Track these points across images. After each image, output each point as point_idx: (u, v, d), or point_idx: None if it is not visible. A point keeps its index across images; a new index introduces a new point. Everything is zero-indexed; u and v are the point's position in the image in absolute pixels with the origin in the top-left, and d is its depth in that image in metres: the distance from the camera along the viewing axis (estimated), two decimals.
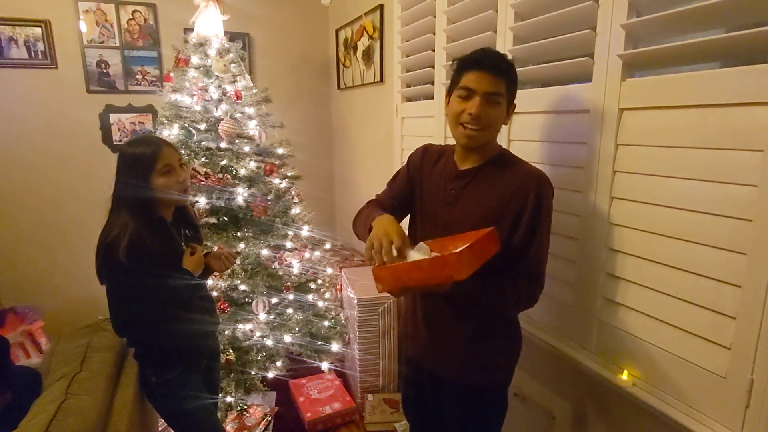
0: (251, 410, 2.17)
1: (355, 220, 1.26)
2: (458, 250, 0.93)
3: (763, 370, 0.88)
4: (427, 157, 1.27)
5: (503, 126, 1.15)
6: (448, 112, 1.14)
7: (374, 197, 1.33)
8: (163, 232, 1.33)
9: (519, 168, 1.13)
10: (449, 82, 1.16)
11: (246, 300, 2.12)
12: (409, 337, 1.33)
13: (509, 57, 1.20)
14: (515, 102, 1.15)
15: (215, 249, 1.95)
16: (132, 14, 2.76)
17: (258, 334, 2.10)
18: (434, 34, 1.91)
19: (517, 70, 1.47)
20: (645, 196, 1.10)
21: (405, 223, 1.34)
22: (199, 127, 2.12)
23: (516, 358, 1.25)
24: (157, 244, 1.27)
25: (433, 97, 1.97)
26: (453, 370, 1.21)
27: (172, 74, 2.23)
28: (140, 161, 1.27)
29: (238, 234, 2.13)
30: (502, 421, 1.27)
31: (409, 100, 2.29)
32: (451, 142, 1.64)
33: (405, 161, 1.34)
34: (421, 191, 1.26)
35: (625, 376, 1.17)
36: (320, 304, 2.36)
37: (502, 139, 1.55)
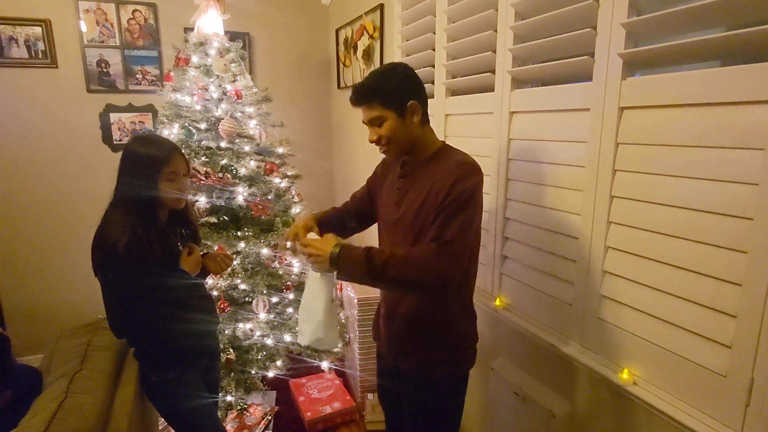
0: (251, 409, 2.18)
1: None
2: None
3: (764, 368, 0.88)
4: (386, 167, 1.36)
5: (421, 124, 1.17)
6: None
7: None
8: (159, 232, 1.32)
9: (449, 161, 1.14)
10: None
11: (246, 299, 2.13)
12: (375, 332, 1.41)
13: (381, 75, 1.16)
14: (412, 102, 1.13)
15: (215, 249, 1.95)
16: (132, 14, 2.76)
17: (258, 333, 2.10)
18: (434, 33, 1.91)
19: (517, 69, 1.48)
20: (645, 194, 1.10)
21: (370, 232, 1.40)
22: (199, 126, 2.12)
23: (464, 354, 1.25)
24: (153, 243, 1.27)
25: (432, 96, 1.97)
26: (402, 360, 1.27)
27: (172, 73, 2.23)
28: (149, 162, 1.26)
29: (239, 233, 2.13)
30: (449, 417, 1.27)
31: None
32: (450, 141, 1.64)
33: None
34: (380, 199, 1.34)
35: (625, 374, 1.17)
36: None
37: (502, 138, 1.55)
